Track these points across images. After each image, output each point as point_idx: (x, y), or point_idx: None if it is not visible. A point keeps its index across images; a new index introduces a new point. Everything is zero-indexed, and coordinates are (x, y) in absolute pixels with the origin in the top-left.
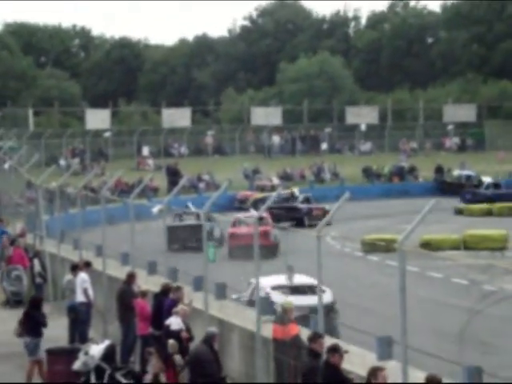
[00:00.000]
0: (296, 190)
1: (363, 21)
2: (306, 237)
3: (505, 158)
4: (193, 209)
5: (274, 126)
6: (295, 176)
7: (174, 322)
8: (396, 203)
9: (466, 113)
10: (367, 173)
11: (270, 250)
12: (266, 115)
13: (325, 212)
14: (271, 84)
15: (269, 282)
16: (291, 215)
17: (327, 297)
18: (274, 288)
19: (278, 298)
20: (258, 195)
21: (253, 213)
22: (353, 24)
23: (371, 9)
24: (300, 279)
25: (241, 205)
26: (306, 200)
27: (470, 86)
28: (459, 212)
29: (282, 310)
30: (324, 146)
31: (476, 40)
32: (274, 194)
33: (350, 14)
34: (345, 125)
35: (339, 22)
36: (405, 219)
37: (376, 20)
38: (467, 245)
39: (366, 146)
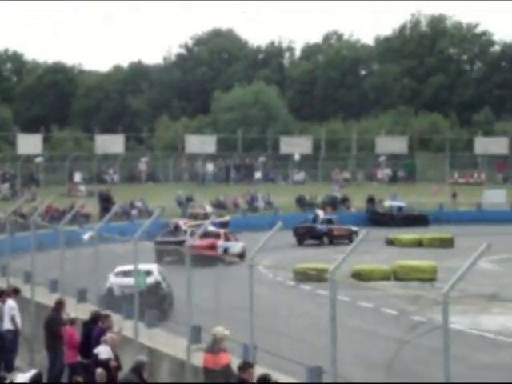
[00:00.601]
0: (321, 213)
1: (298, 52)
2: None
3: (437, 190)
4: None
5: (209, 154)
6: (229, 204)
7: (103, 351)
8: None
9: (397, 144)
10: (300, 202)
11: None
12: (201, 143)
13: (351, 232)
14: (206, 112)
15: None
16: (311, 234)
17: (151, 279)
18: (117, 274)
19: (114, 280)
20: (191, 223)
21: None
22: (287, 55)
23: (306, 40)
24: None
25: (174, 231)
26: (329, 221)
27: (402, 119)
28: (390, 243)
29: (213, 338)
30: (258, 174)
31: (407, 73)
32: (206, 222)
33: (285, 45)
34: (279, 154)
35: (274, 53)
36: (337, 249)
37: (310, 51)
38: (397, 275)
39: (300, 175)
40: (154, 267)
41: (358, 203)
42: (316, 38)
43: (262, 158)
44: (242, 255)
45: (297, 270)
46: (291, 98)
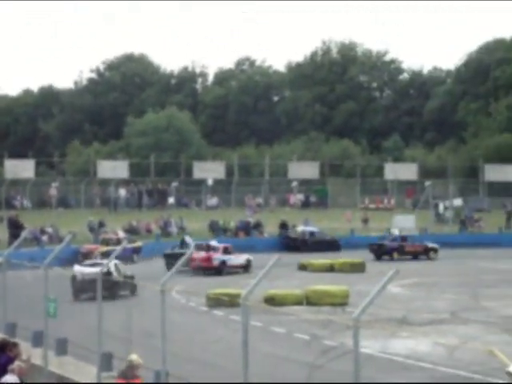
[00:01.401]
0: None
1: (210, 77)
2: (151, 291)
3: (351, 217)
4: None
5: (121, 179)
6: (141, 230)
7: (10, 380)
8: None
9: (309, 170)
10: (213, 227)
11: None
12: (113, 168)
13: (427, 249)
14: (118, 137)
15: None
16: (381, 251)
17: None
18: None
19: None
20: (103, 248)
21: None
22: (200, 80)
23: (219, 66)
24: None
25: (84, 259)
26: (404, 239)
27: (314, 144)
28: (303, 267)
29: (129, 365)
30: (171, 199)
31: (319, 100)
32: (118, 248)
33: (198, 70)
34: (192, 179)
35: (187, 78)
36: (250, 274)
37: (223, 77)
38: (309, 300)
39: (213, 200)
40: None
41: (270, 228)
42: (229, 63)
43: (174, 183)
44: (246, 266)
45: (209, 296)
46: (204, 123)
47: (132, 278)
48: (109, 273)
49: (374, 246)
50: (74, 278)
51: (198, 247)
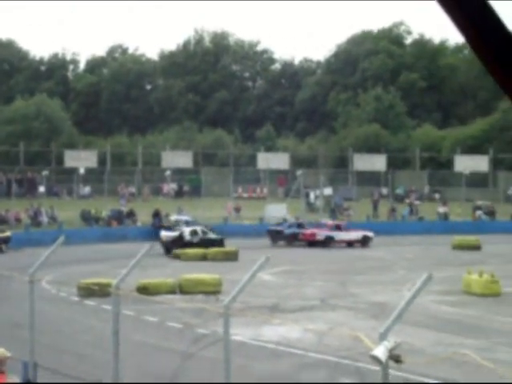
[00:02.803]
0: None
1: (82, 65)
2: (19, 282)
3: (231, 208)
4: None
5: None
6: (11, 219)
7: None
8: (114, 247)
9: (182, 159)
10: (85, 217)
11: None
12: None
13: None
14: None
15: None
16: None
17: None
18: None
19: None
20: None
21: None
22: (72, 67)
23: (91, 53)
24: None
25: None
26: (300, 225)
27: (187, 134)
28: (176, 256)
29: None
30: (41, 188)
31: (192, 89)
32: None
33: (69, 57)
34: (63, 168)
35: (58, 65)
36: (122, 263)
37: (95, 64)
38: (183, 289)
39: (85, 189)
40: None
41: (143, 217)
42: (101, 51)
43: (45, 172)
44: (363, 241)
45: (80, 286)
46: (75, 111)
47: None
48: None
49: (272, 232)
50: None
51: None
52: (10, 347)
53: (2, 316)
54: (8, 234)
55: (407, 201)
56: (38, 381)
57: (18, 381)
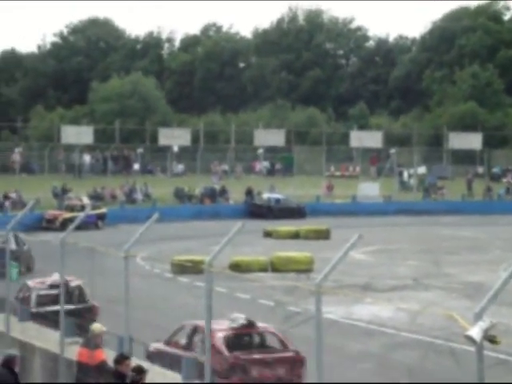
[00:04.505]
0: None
1: (177, 43)
2: (114, 258)
3: (329, 186)
4: None
5: (85, 145)
6: (106, 196)
7: None
8: (207, 225)
9: (275, 138)
10: (179, 194)
11: None
12: (77, 134)
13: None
14: (82, 103)
15: None
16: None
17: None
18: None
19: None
20: (67, 215)
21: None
22: (166, 46)
23: (185, 31)
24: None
25: (49, 225)
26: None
27: (280, 112)
28: (268, 234)
29: (91, 334)
30: (136, 166)
31: (285, 67)
32: (81, 215)
33: (164, 36)
34: (157, 146)
35: (153, 43)
36: (214, 241)
37: (189, 43)
38: (274, 267)
39: (178, 167)
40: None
41: (236, 195)
42: (195, 29)
43: (140, 150)
44: None
45: (174, 262)
46: (170, 90)
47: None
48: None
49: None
50: None
51: None
52: (106, 322)
53: (97, 291)
54: (104, 210)
55: (504, 180)
56: (133, 355)
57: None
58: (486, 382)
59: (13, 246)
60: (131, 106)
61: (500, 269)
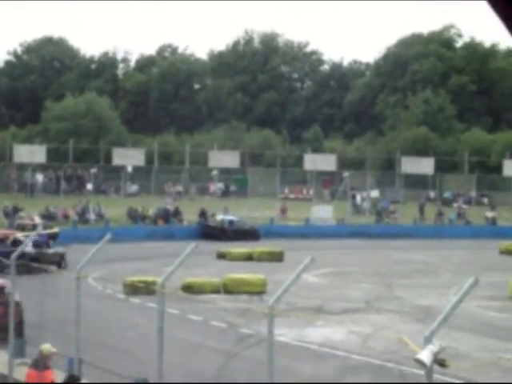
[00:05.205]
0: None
1: (132, 63)
2: (66, 278)
3: (283, 208)
4: None
5: (38, 164)
6: (59, 216)
7: None
8: (160, 246)
9: (229, 159)
10: (132, 215)
11: None
12: (30, 153)
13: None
14: (36, 122)
15: None
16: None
17: None
18: None
19: None
20: (18, 234)
21: None
22: (121, 66)
23: (141, 52)
24: None
25: None
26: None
27: (235, 134)
28: (221, 256)
29: (40, 355)
30: (89, 186)
31: (241, 89)
32: (32, 234)
33: (119, 56)
34: (111, 166)
35: (108, 63)
36: (167, 262)
37: (145, 63)
38: (227, 288)
39: (132, 187)
40: None
41: (190, 216)
42: (151, 50)
43: (93, 170)
44: None
45: (126, 283)
46: (124, 110)
47: None
48: None
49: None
50: None
51: None
52: (55, 343)
53: (48, 312)
54: (56, 230)
55: (455, 205)
56: (83, 377)
57: (62, 376)
58: None
59: None
60: (85, 125)
61: (450, 293)
